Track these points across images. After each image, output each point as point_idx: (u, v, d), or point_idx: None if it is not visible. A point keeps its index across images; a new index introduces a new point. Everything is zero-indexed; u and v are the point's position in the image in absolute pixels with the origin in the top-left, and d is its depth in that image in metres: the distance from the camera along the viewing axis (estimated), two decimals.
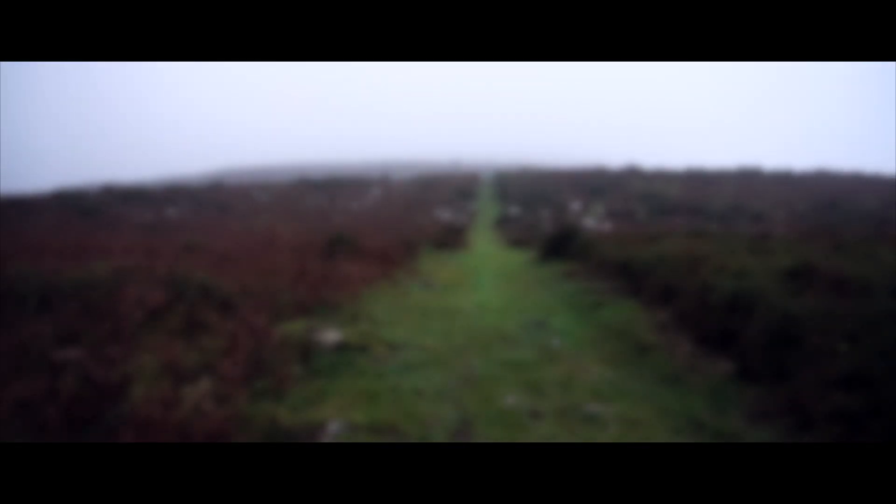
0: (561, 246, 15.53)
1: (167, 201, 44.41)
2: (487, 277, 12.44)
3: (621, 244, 13.36)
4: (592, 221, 36.82)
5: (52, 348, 4.00)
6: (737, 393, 4.55)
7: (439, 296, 9.81)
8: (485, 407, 4.36)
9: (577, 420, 4.14)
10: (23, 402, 3.32)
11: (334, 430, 3.71)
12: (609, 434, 3.88)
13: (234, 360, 3.82)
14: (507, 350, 6.11)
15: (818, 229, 24.83)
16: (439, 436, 3.82)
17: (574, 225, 18.25)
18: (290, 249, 11.32)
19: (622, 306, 8.11)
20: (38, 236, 18.44)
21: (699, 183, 54.21)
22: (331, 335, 5.68)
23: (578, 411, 4.28)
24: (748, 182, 54.92)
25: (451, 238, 24.13)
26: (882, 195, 45.40)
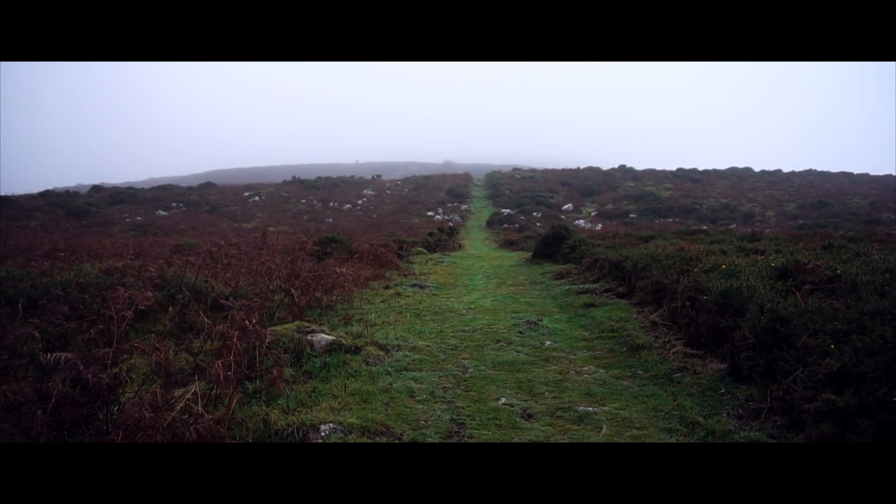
0: (553, 246, 15.58)
1: (158, 202, 44.13)
2: (480, 278, 12.45)
3: (613, 244, 13.42)
4: (584, 222, 36.94)
5: (41, 350, 3.96)
6: (728, 392, 4.58)
7: (432, 297, 9.81)
8: (477, 408, 4.36)
9: (570, 420, 4.15)
10: (11, 405, 3.29)
11: (327, 432, 3.70)
12: (601, 434, 3.89)
13: (226, 362, 3.79)
14: (500, 350, 6.11)
15: (808, 229, 25.04)
16: (432, 437, 3.82)
17: (566, 225, 18.30)
18: (283, 250, 11.27)
19: (614, 306, 8.14)
20: (28, 237, 18.29)
21: (690, 183, 54.50)
22: (323, 336, 5.66)
23: (571, 411, 4.29)
24: (739, 182, 55.29)
25: (443, 239, 24.17)
26: (870, 195, 45.82)
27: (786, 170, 62.92)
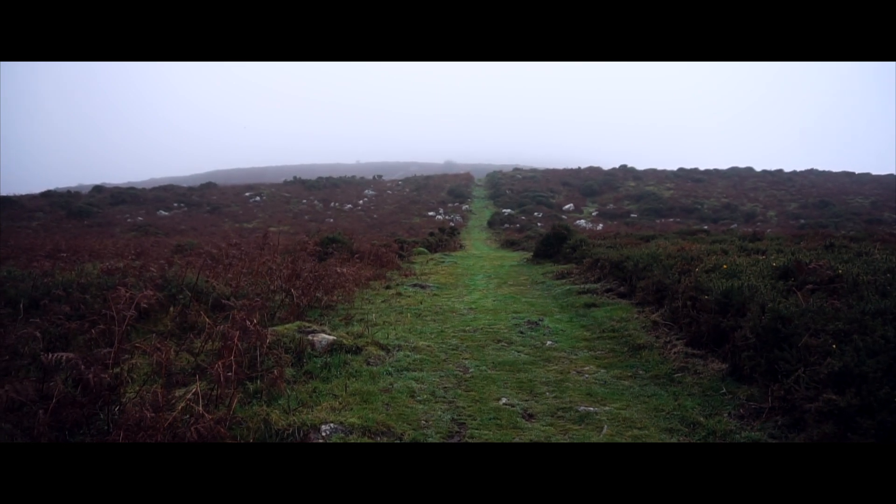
0: (554, 246, 15.57)
1: (159, 202, 44.17)
2: (481, 278, 12.45)
3: (614, 244, 13.41)
4: (585, 222, 36.92)
5: (42, 350, 3.96)
6: (729, 392, 4.57)
7: (433, 297, 9.81)
8: (478, 408, 4.36)
9: (571, 420, 4.14)
10: (13, 405, 3.29)
11: (327, 432, 3.70)
12: (602, 434, 3.89)
13: (227, 362, 3.79)
14: (501, 350, 6.11)
15: (809, 228, 25.01)
16: (433, 437, 3.82)
17: (567, 225, 18.29)
18: (284, 251, 11.28)
19: (615, 306, 8.14)
20: (29, 238, 18.32)
21: (691, 183, 54.47)
22: (324, 336, 5.66)
23: (572, 411, 4.29)
24: (740, 182, 55.24)
25: (444, 239, 24.18)
26: (872, 194, 45.76)
27: (787, 170, 62.84)
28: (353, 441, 3.62)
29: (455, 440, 3.81)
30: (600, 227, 33.76)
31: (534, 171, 68.47)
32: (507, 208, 43.22)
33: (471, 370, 5.36)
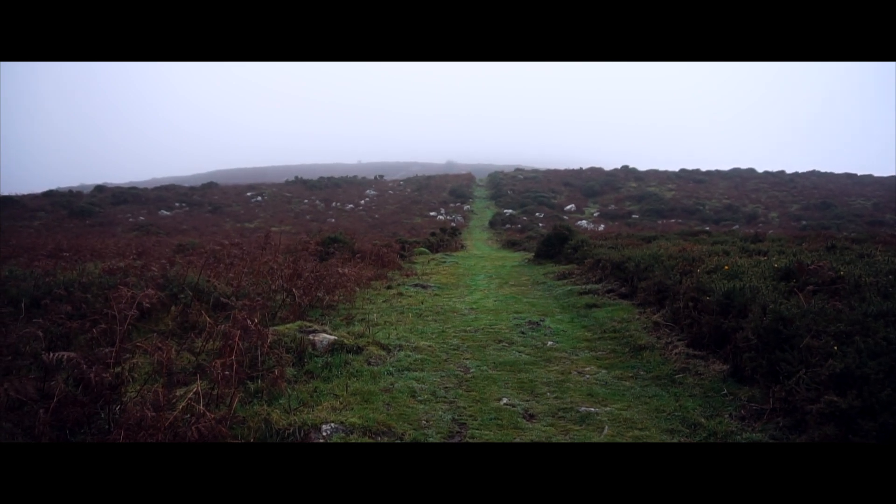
0: (555, 247, 15.56)
1: (161, 202, 44.22)
2: (482, 278, 12.45)
3: (616, 245, 13.40)
4: (587, 222, 36.90)
5: (43, 349, 3.97)
6: (730, 393, 4.57)
7: (434, 297, 9.81)
8: (479, 408, 4.36)
9: (572, 421, 4.14)
10: (14, 404, 3.30)
11: (328, 432, 3.70)
12: (603, 435, 3.88)
13: (228, 362, 3.80)
14: (502, 351, 6.11)
15: (811, 230, 24.99)
16: (433, 437, 3.82)
17: (568, 226, 18.28)
18: (285, 250, 11.29)
19: (616, 307, 8.13)
20: (31, 237, 18.36)
21: (693, 184, 54.41)
22: (325, 336, 5.66)
23: (573, 412, 4.29)
24: (742, 183, 55.17)
25: (445, 239, 24.18)
26: (874, 196, 45.69)
27: (789, 171, 62.76)
28: (353, 441, 3.62)
29: (456, 440, 3.81)
30: (602, 227, 33.75)
31: (535, 171, 68.43)
32: (508, 209, 43.20)
33: (472, 370, 5.36)
